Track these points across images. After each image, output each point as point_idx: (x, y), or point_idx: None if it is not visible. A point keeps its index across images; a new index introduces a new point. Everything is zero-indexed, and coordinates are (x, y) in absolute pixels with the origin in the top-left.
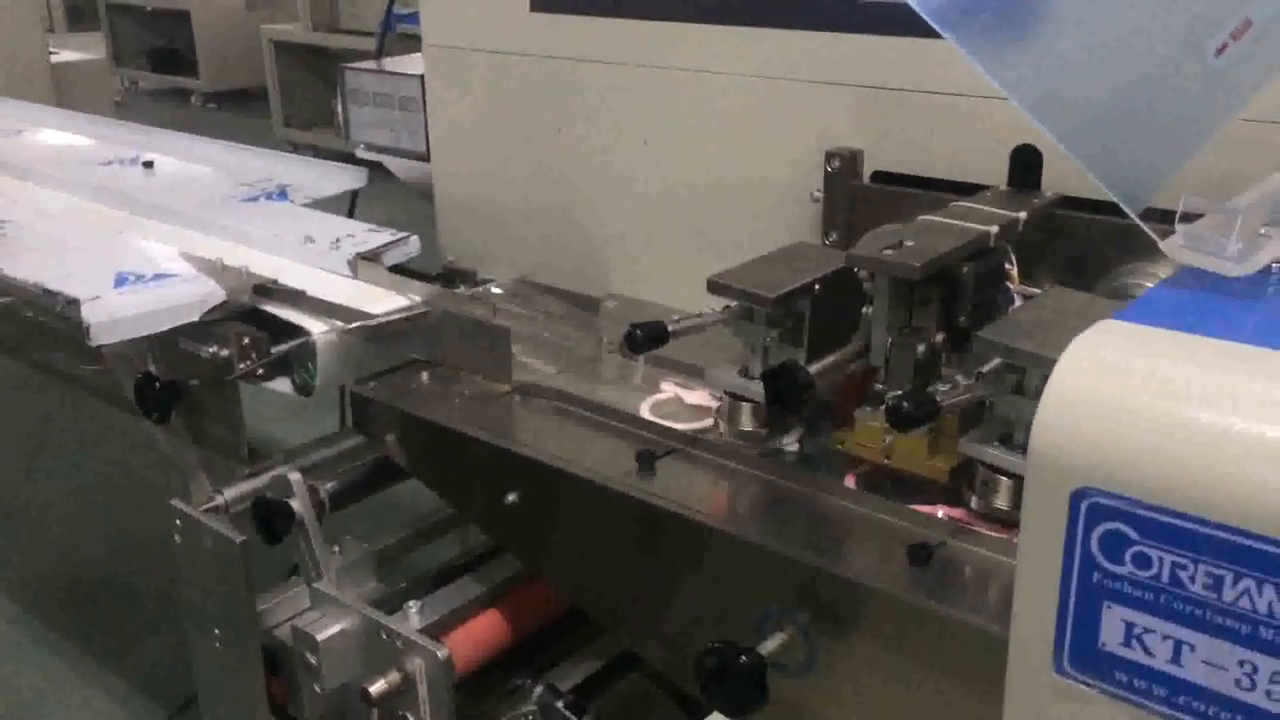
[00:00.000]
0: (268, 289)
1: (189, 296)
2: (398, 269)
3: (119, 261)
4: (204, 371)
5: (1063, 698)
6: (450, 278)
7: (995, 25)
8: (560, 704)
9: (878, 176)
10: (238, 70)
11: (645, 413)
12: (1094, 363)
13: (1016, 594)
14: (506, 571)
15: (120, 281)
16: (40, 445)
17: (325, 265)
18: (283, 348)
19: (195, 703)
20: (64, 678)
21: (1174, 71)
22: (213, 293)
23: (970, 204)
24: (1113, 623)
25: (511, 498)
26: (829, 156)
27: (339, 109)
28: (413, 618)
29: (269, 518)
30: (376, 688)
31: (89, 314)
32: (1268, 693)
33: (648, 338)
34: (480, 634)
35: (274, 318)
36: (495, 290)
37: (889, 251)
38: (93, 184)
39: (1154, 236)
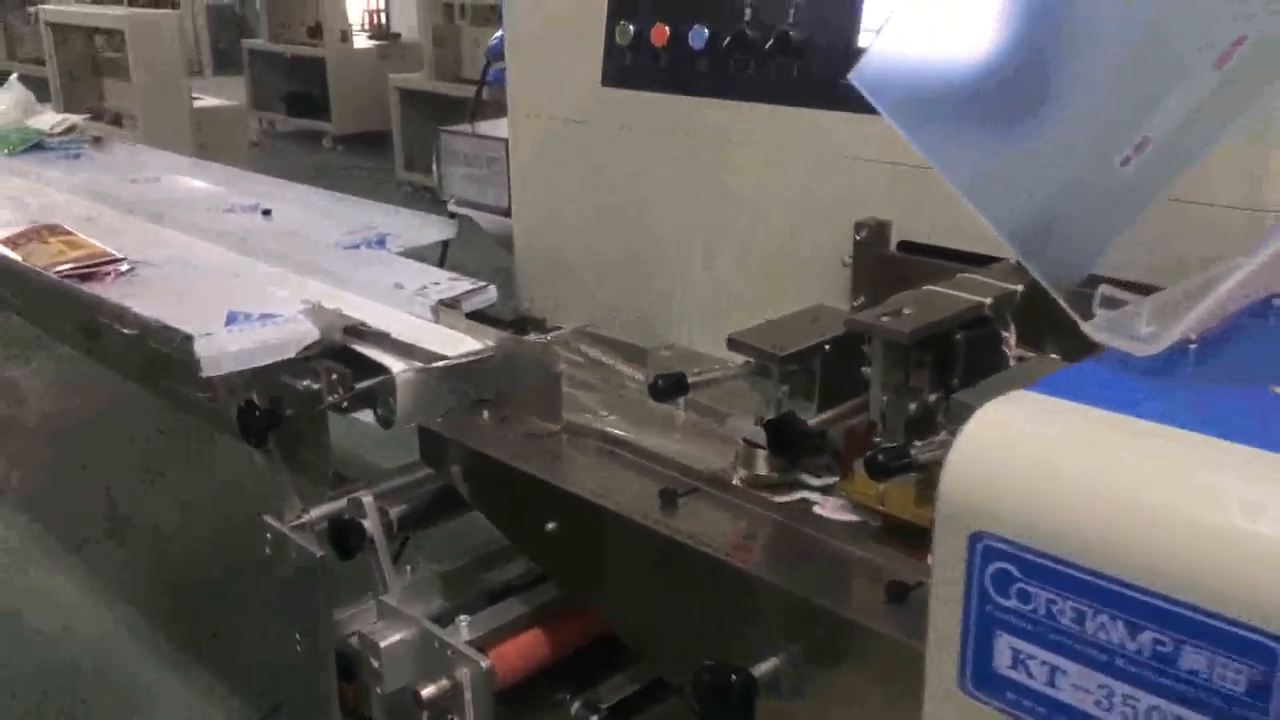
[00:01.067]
0: (358, 330)
1: (287, 335)
2: (476, 315)
3: (232, 301)
4: (298, 402)
5: (965, 713)
6: (522, 325)
7: (945, 128)
8: (595, 718)
9: (904, 246)
10: (366, 115)
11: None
12: (996, 425)
13: (930, 620)
14: (551, 595)
15: (230, 320)
16: (163, 465)
17: (411, 310)
18: (366, 384)
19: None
20: (166, 677)
21: (1089, 178)
22: (308, 332)
23: (976, 276)
24: (1003, 649)
25: (550, 526)
26: (858, 226)
27: (435, 166)
28: (463, 631)
29: (343, 535)
30: (427, 691)
31: (200, 349)
32: (1122, 714)
33: (669, 388)
34: (523, 649)
35: (362, 356)
36: (557, 338)
37: (886, 318)
38: (216, 229)
39: (1075, 317)
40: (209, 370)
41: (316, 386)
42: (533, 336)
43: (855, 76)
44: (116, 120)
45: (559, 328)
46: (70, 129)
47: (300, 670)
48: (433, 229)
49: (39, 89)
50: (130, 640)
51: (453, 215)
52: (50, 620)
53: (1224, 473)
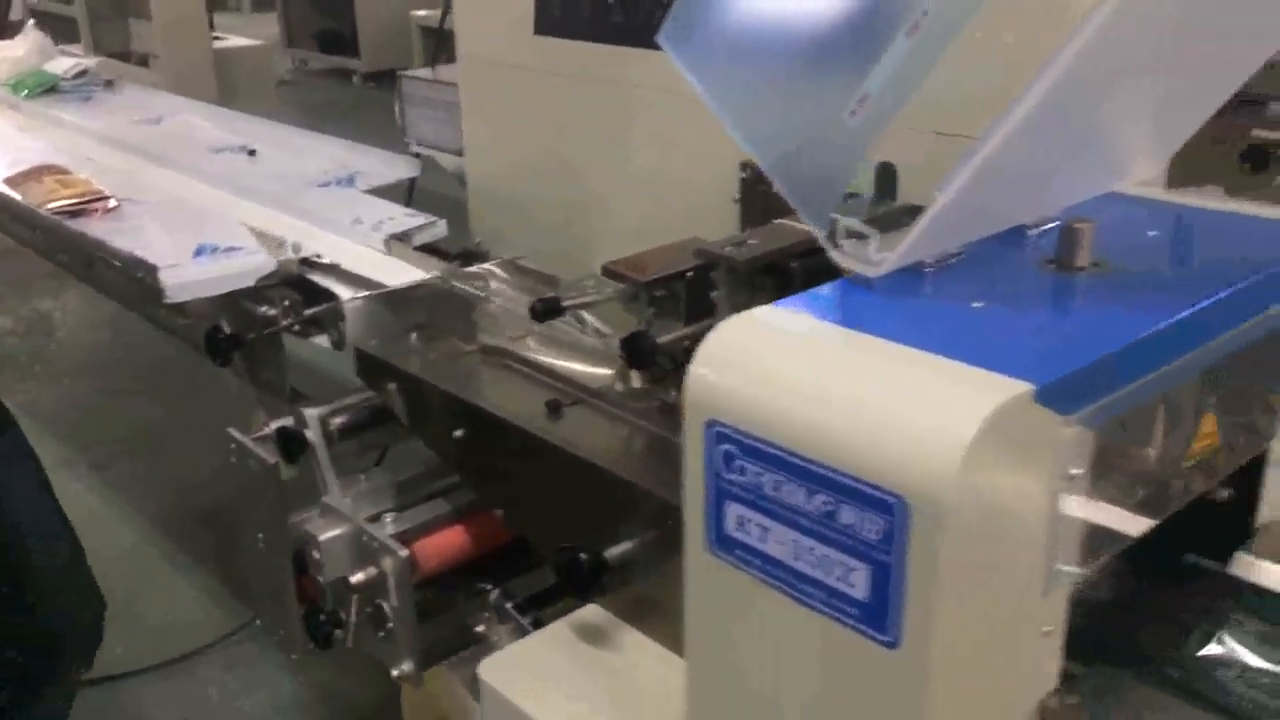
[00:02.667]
0: (312, 262)
1: (247, 266)
2: (427, 247)
3: (204, 235)
4: (258, 327)
5: (712, 569)
6: (467, 257)
7: (728, 80)
8: (510, 605)
9: None
10: (394, 52)
11: None
12: (731, 332)
13: (684, 492)
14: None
15: (199, 251)
16: (181, 391)
17: (367, 242)
18: (313, 310)
19: None
20: (176, 584)
21: (828, 126)
22: (266, 263)
23: None
24: (731, 515)
25: (458, 434)
26: (743, 166)
27: (396, 108)
28: (387, 526)
29: (287, 443)
30: (356, 578)
31: (165, 278)
32: (808, 562)
33: (545, 310)
34: (443, 543)
35: (317, 284)
36: (490, 268)
37: (730, 248)
38: (204, 169)
39: (825, 244)
40: (174, 297)
41: (273, 312)
42: (474, 268)
43: (660, 38)
44: (143, 62)
45: (500, 259)
46: (82, 73)
47: (263, 566)
48: (398, 168)
49: (68, 29)
50: (148, 549)
51: (417, 155)
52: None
53: (881, 368)
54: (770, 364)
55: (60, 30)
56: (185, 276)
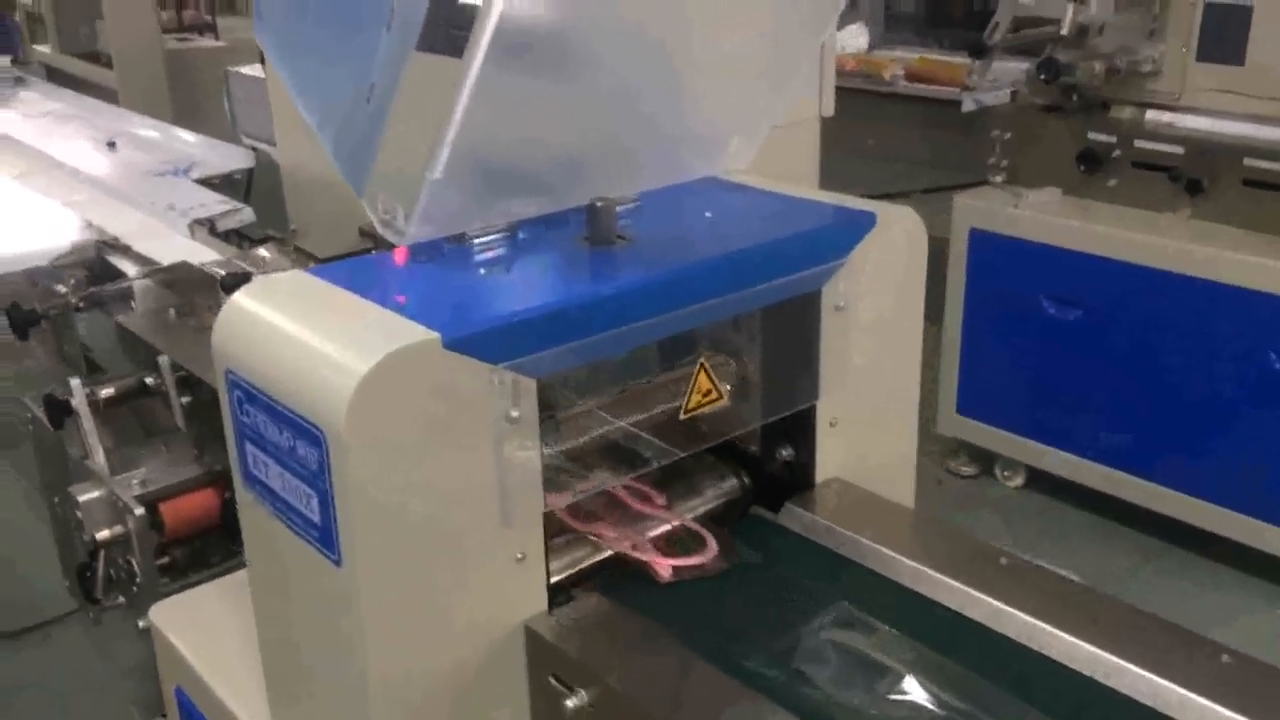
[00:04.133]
0: (109, 244)
1: (43, 246)
2: (235, 232)
3: (22, 218)
4: (56, 304)
5: (248, 503)
6: (266, 241)
7: (304, 69)
8: None
9: None
10: None
11: None
12: (252, 289)
13: (227, 436)
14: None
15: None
16: None
17: (176, 228)
18: (95, 289)
19: None
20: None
21: (354, 110)
22: (61, 245)
23: None
24: (249, 454)
25: (184, 400)
26: None
27: (226, 104)
28: (134, 487)
29: (51, 410)
30: (101, 535)
31: None
32: (288, 491)
33: (233, 284)
34: (190, 505)
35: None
36: (261, 250)
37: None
38: (61, 158)
39: (374, 218)
40: None
41: (64, 290)
42: (252, 250)
43: (255, 31)
44: (110, 63)
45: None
46: None
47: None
48: (234, 158)
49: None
50: (25, 518)
51: (254, 149)
52: None
53: (329, 320)
54: (262, 316)
55: (38, 29)
56: None
